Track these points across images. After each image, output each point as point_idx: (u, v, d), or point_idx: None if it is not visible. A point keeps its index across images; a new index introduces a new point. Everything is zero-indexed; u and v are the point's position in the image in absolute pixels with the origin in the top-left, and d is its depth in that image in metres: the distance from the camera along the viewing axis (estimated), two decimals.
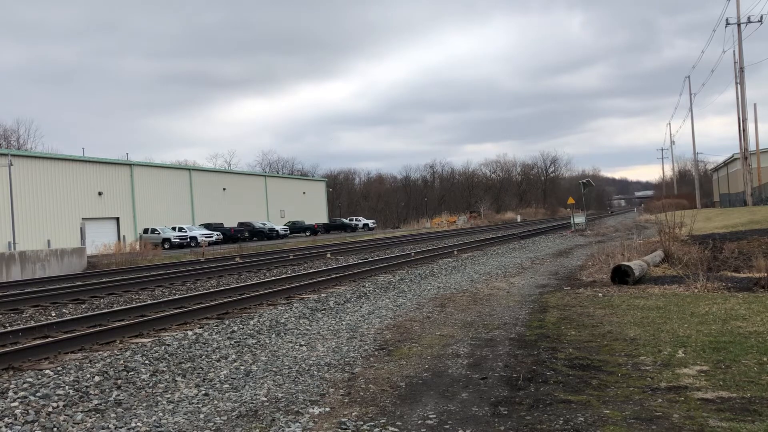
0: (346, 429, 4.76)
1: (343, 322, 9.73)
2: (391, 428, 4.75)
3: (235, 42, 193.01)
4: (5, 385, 6.35)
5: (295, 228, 64.65)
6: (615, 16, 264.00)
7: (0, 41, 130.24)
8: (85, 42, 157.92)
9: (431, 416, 4.98)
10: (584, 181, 49.24)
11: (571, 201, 48.34)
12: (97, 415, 5.48)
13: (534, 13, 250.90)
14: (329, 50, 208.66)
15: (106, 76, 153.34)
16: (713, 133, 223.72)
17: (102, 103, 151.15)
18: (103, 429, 5.06)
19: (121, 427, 5.07)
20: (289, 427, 4.88)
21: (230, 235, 50.99)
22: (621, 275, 12.57)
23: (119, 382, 6.50)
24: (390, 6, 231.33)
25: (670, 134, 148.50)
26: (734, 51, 45.76)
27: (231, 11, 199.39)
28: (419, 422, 4.86)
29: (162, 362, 7.34)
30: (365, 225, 76.23)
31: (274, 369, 6.84)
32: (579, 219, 41.27)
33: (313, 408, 5.33)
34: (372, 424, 4.85)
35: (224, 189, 64.41)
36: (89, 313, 11.70)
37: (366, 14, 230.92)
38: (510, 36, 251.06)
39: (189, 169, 63.47)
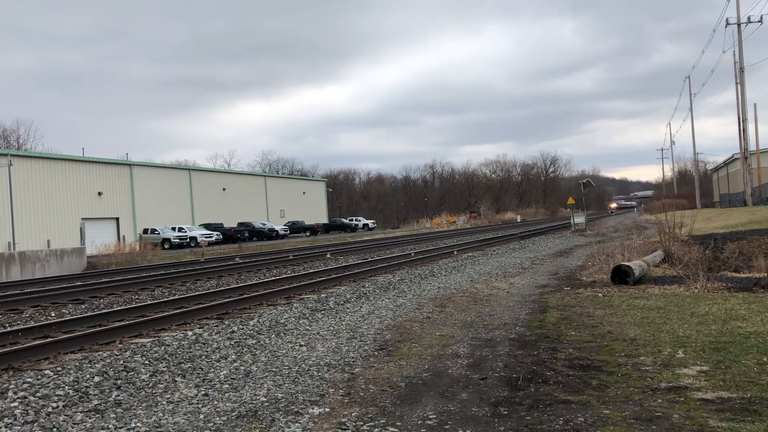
0: (346, 429, 4.76)
1: (343, 323, 9.72)
2: (391, 428, 4.74)
3: (237, 47, 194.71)
4: (5, 385, 6.34)
5: (295, 228, 64.63)
6: (605, 23, 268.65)
7: (10, 46, 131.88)
8: (93, 48, 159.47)
9: (431, 416, 4.98)
10: (584, 181, 49.24)
11: (571, 201, 48.35)
12: (97, 415, 5.47)
13: (526, 21, 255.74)
14: (329, 55, 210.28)
15: (110, 80, 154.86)
16: (710, 134, 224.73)
17: (104, 105, 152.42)
18: (102, 429, 5.06)
19: (120, 428, 5.06)
20: (289, 427, 4.87)
21: (230, 235, 50.96)
22: (621, 275, 12.57)
23: (119, 382, 6.49)
24: (387, 13, 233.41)
25: (670, 134, 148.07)
26: (734, 51, 45.79)
27: (234, 18, 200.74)
28: (419, 422, 4.85)
29: (162, 362, 7.33)
30: (365, 225, 76.20)
31: (274, 369, 6.83)
32: (579, 219, 41.27)
33: (312, 408, 5.33)
34: (372, 424, 4.85)
35: (224, 189, 64.39)
36: (89, 314, 11.70)
37: (364, 20, 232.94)
38: (506, 42, 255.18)
39: (189, 169, 63.46)
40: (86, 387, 6.27)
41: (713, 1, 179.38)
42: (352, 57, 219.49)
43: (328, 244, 40.19)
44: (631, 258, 15.14)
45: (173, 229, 48.75)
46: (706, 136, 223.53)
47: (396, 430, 4.72)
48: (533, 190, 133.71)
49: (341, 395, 5.70)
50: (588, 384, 5.67)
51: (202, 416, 5.27)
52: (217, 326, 9.65)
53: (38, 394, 5.98)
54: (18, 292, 17.51)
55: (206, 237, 46.42)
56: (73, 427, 5.15)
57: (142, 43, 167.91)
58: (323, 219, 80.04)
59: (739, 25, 44.41)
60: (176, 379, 6.65)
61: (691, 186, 75.57)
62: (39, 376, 6.72)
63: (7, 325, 11.59)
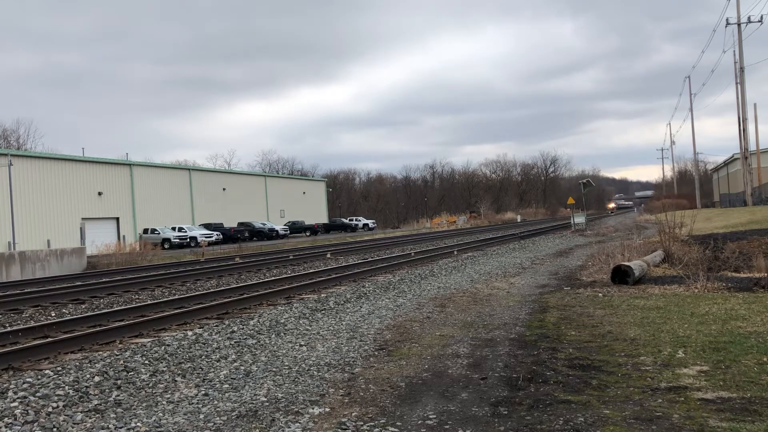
0: (346, 429, 4.76)
1: (343, 323, 9.72)
2: (391, 428, 4.74)
3: (237, 48, 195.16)
4: (5, 385, 6.34)
5: (295, 228, 64.63)
6: (604, 23, 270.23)
7: (10, 46, 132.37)
8: (93, 49, 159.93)
9: (431, 416, 4.98)
10: (584, 181, 49.21)
11: (571, 201, 48.36)
12: (97, 415, 5.48)
13: (526, 21, 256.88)
14: (329, 55, 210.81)
15: (110, 80, 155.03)
16: (710, 134, 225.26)
17: (104, 105, 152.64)
18: (102, 429, 5.06)
19: (120, 428, 5.07)
20: (289, 427, 4.87)
21: (230, 235, 50.95)
22: (621, 275, 12.57)
23: (119, 382, 6.49)
24: (387, 14, 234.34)
25: (671, 134, 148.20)
26: (734, 51, 45.81)
27: (234, 19, 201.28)
28: (419, 422, 4.85)
29: (162, 362, 7.33)
30: (365, 225, 76.22)
31: (274, 369, 6.83)
32: (579, 219, 41.29)
33: (313, 408, 5.33)
34: (372, 424, 4.85)
35: (224, 189, 64.39)
36: (89, 313, 11.70)
37: (364, 21, 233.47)
38: (505, 42, 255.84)
39: (189, 169, 63.47)
40: (86, 387, 6.28)
41: (713, 1, 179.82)
42: (352, 57, 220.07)
43: (328, 244, 40.19)
44: (631, 258, 15.14)
45: (173, 229, 48.74)
46: (706, 136, 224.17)
47: (396, 430, 4.72)
48: (533, 190, 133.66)
49: (341, 395, 5.70)
50: (588, 384, 5.68)
51: (202, 416, 5.27)
52: (217, 326, 9.65)
53: (38, 394, 5.98)
54: (18, 292, 17.51)
55: (206, 237, 46.42)
56: (73, 427, 5.15)
57: (143, 43, 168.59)
58: (323, 219, 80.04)
59: (739, 25, 44.43)
60: (176, 378, 6.65)
61: (691, 186, 75.58)
62: (39, 376, 6.72)
63: (7, 325, 11.59)
